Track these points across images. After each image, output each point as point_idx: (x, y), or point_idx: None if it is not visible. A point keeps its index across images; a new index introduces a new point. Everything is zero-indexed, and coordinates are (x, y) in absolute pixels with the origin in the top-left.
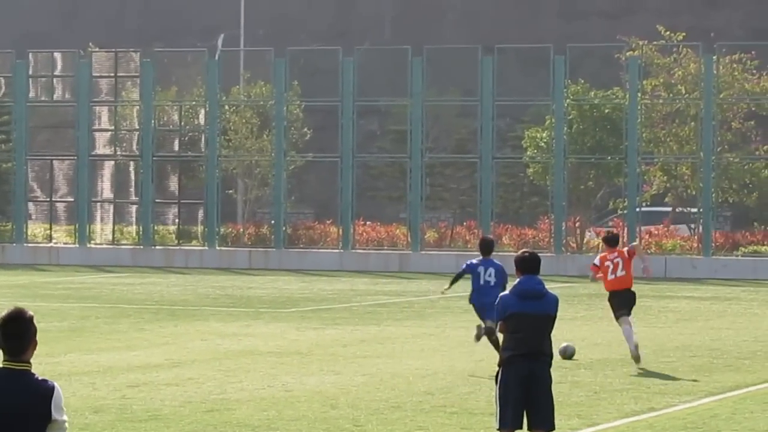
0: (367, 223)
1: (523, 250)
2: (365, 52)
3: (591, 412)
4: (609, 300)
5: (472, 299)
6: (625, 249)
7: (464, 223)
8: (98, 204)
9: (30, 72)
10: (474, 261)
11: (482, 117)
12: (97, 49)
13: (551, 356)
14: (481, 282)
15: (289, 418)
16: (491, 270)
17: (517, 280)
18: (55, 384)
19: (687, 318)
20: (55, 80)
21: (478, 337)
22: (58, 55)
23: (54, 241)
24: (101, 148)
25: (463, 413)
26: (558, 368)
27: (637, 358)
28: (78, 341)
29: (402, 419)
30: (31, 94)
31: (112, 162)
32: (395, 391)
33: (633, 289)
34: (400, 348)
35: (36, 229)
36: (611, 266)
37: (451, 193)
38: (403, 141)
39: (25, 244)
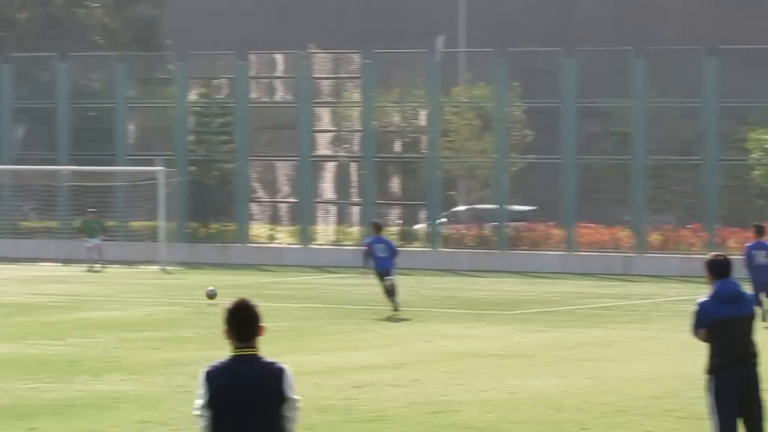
0: (590, 225)
1: (715, 253)
2: (586, 53)
3: None
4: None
5: (752, 276)
6: None
7: (689, 226)
8: (320, 205)
9: (251, 73)
10: (748, 244)
11: (706, 119)
12: (317, 51)
13: (757, 356)
14: (755, 263)
15: (514, 421)
16: (764, 252)
17: (715, 285)
18: (284, 365)
19: None
20: (275, 81)
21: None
22: (278, 57)
23: (277, 241)
24: (322, 149)
25: (691, 418)
26: None
27: None
28: (302, 341)
29: (629, 423)
30: (253, 95)
31: (334, 163)
32: (621, 395)
33: None
34: (625, 351)
35: (259, 229)
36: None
37: (675, 195)
38: (625, 142)
39: (248, 245)
